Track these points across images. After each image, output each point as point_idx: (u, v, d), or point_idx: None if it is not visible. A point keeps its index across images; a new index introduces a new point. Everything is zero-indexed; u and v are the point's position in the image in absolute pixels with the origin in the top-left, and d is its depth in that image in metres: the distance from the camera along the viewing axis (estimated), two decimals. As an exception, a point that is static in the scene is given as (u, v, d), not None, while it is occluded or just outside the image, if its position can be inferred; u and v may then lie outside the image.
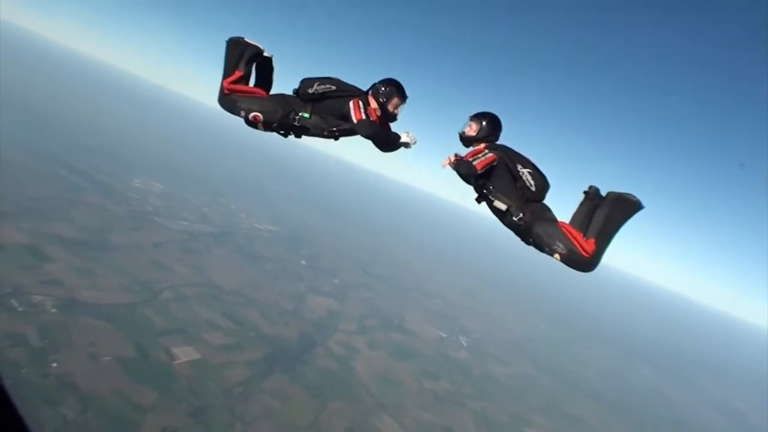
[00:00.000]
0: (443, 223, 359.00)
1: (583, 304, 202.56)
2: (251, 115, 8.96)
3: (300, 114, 8.96)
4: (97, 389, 48.01)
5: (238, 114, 9.09)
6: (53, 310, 57.58)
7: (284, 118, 8.97)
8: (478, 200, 8.64)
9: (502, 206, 8.31)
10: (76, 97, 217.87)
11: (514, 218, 8.26)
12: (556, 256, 7.90)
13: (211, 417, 51.52)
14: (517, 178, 8.33)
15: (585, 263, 7.90)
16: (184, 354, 59.50)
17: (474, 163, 8.10)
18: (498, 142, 8.70)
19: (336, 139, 9.11)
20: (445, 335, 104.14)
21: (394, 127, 9.23)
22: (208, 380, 56.59)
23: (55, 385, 46.55)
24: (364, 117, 8.54)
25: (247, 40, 9.06)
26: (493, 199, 8.39)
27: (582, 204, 8.21)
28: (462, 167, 8.16)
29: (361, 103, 8.66)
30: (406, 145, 9.08)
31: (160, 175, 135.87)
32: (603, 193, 8.13)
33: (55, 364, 48.96)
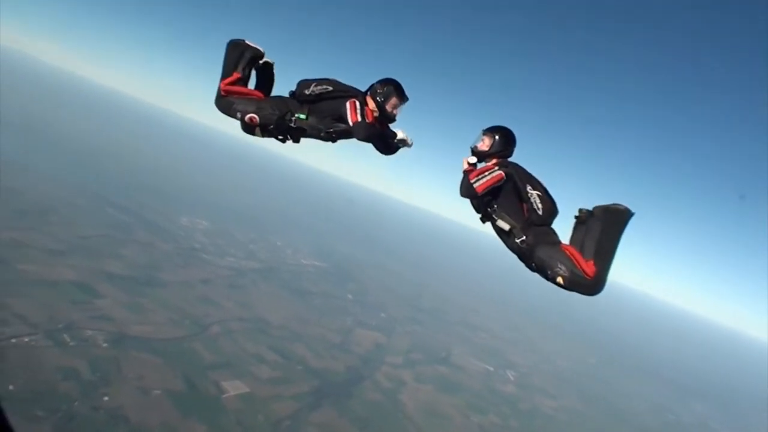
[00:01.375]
0: (484, 256, 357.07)
1: (630, 337, 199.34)
2: (247, 116, 8.78)
3: (296, 115, 8.80)
4: (147, 422, 48.38)
5: (234, 116, 8.94)
6: (104, 345, 58.34)
7: (281, 119, 8.79)
8: (483, 220, 8.42)
9: (506, 226, 8.07)
10: (118, 134, 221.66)
11: (517, 240, 8.01)
12: (559, 279, 7.57)
13: (259, 450, 51.69)
14: (524, 199, 8.07)
15: (588, 286, 7.55)
16: (233, 387, 59.72)
17: (476, 184, 7.93)
18: (511, 159, 8.46)
19: (333, 141, 8.91)
20: (491, 369, 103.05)
21: (393, 128, 8.96)
22: (257, 413, 56.67)
23: (106, 418, 47.01)
24: (359, 119, 8.32)
25: (247, 42, 8.96)
26: (496, 218, 8.18)
27: (576, 229, 7.91)
28: (462, 188, 8.05)
29: (357, 104, 8.44)
30: (404, 142, 8.90)
31: (206, 212, 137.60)
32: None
33: (106, 398, 49.46)
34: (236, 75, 8.93)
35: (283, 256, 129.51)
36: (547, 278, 7.76)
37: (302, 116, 8.76)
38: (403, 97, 8.68)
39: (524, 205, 8.07)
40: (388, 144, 8.91)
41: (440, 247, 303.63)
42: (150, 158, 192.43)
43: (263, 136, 9.02)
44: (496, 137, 8.34)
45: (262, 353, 71.77)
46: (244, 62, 8.96)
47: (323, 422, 60.48)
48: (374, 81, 8.83)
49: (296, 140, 9.06)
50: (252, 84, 9.33)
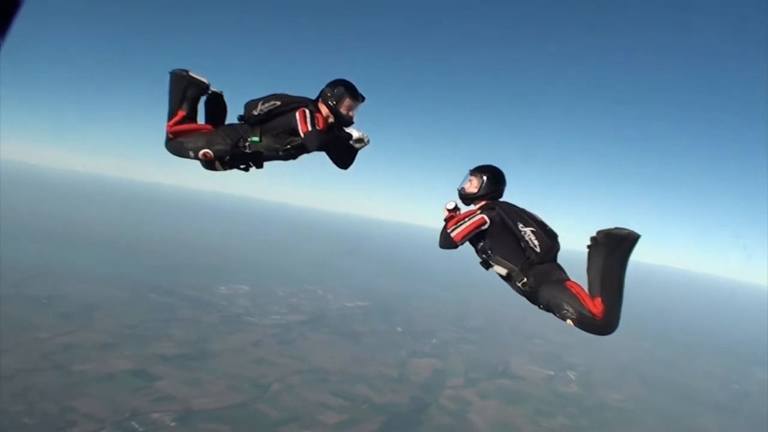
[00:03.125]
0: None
1: (673, 313, 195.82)
2: (200, 153, 8.17)
3: (249, 139, 8.16)
4: (229, 490, 49.25)
5: (187, 156, 8.34)
6: (172, 424, 59.55)
7: (235, 147, 8.17)
8: (483, 266, 7.86)
9: (503, 271, 7.49)
10: (130, 219, 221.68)
11: (518, 283, 7.38)
12: (569, 321, 6.94)
13: (344, 494, 52.27)
14: (519, 238, 7.39)
15: (599, 326, 6.88)
16: (304, 439, 60.39)
17: (453, 233, 7.46)
18: (501, 199, 7.89)
19: (294, 157, 8.33)
20: (552, 373, 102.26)
21: (348, 130, 8.28)
22: (333, 459, 57.37)
23: (188, 495, 48.03)
24: (309, 128, 7.72)
25: (191, 74, 8.31)
26: (492, 263, 7.60)
27: (589, 259, 6.90)
28: (441, 239, 7.67)
29: (307, 112, 7.81)
30: (360, 141, 8.22)
31: (242, 277, 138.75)
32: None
33: (184, 475, 50.45)
34: (181, 113, 8.38)
35: (326, 303, 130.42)
36: (558, 318, 7.17)
37: (255, 139, 8.17)
38: (357, 97, 8.09)
39: (521, 244, 7.44)
40: (344, 152, 8.37)
41: (468, 260, 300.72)
42: (170, 236, 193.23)
43: (224, 168, 8.48)
44: (484, 178, 7.84)
45: (326, 400, 72.49)
46: (188, 98, 8.40)
47: (398, 455, 61.14)
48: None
49: (258, 165, 8.51)
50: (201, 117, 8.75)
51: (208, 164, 8.40)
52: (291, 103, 7.97)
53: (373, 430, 66.15)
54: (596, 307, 6.69)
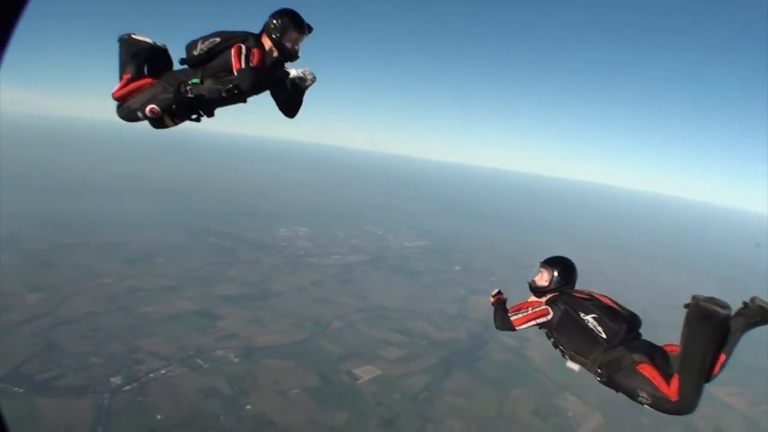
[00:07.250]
0: (573, 203, 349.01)
1: (735, 256, 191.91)
2: (147, 109, 7.51)
3: (190, 82, 7.47)
4: (292, 421, 50.44)
5: (137, 119, 7.73)
6: (236, 360, 61.01)
7: (177, 93, 7.48)
8: (563, 356, 7.47)
9: (575, 367, 7.28)
10: (190, 170, 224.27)
11: (592, 374, 7.10)
12: (646, 407, 6.64)
13: (402, 425, 52.92)
14: (585, 327, 7.10)
15: (674, 409, 6.47)
16: (365, 373, 61.43)
17: (513, 318, 7.45)
18: (569, 290, 7.66)
19: (243, 100, 7.60)
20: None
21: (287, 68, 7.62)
22: (393, 392, 58.02)
23: (253, 425, 49.35)
24: (243, 65, 7.08)
25: (133, 36, 7.76)
26: (567, 359, 7.34)
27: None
28: (497, 320, 7.68)
29: (243, 47, 7.13)
30: (303, 80, 7.48)
31: (301, 219, 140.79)
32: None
33: (248, 407, 51.75)
34: (126, 76, 7.74)
35: (386, 243, 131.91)
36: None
37: (196, 81, 7.49)
38: (303, 28, 7.35)
39: (592, 334, 7.13)
40: (290, 95, 7.66)
41: (524, 201, 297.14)
42: (226, 183, 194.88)
43: (175, 123, 7.88)
44: (555, 273, 7.72)
45: (387, 336, 73.50)
46: (131, 60, 7.77)
47: (457, 388, 61.55)
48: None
49: (209, 113, 7.87)
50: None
51: (157, 122, 7.82)
52: (230, 39, 7.33)
53: (433, 365, 66.60)
54: (672, 387, 6.38)
